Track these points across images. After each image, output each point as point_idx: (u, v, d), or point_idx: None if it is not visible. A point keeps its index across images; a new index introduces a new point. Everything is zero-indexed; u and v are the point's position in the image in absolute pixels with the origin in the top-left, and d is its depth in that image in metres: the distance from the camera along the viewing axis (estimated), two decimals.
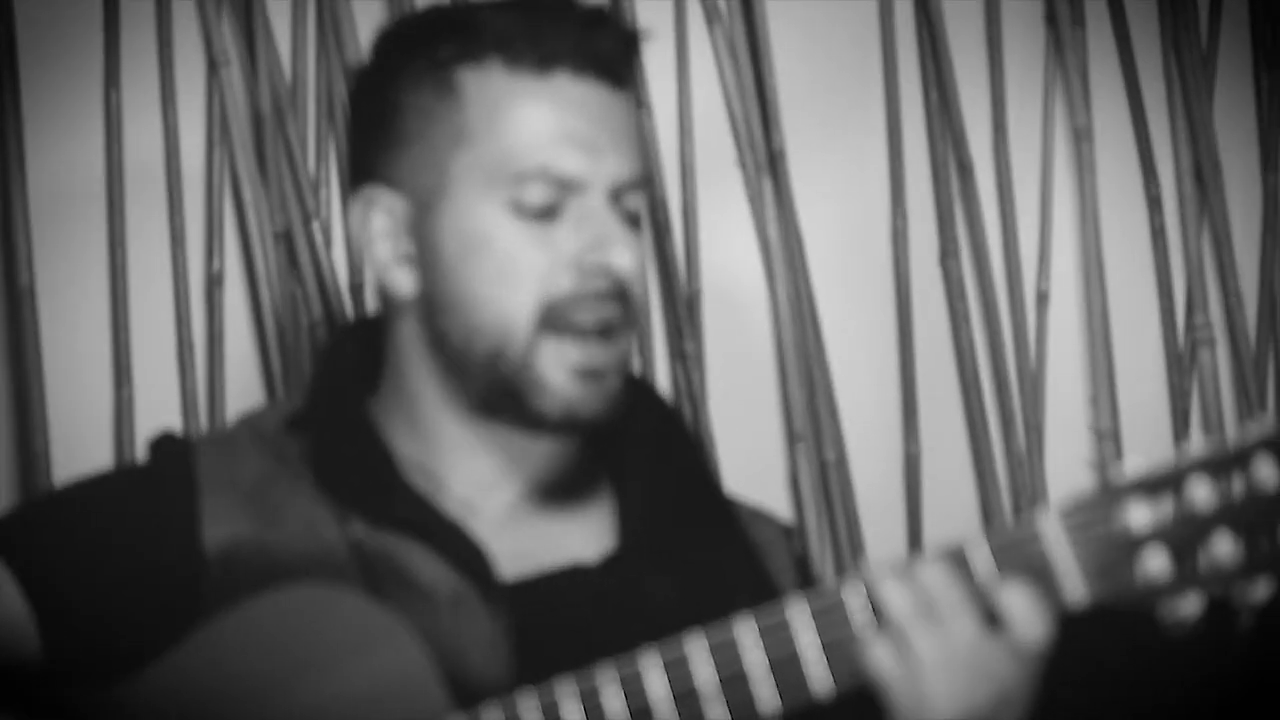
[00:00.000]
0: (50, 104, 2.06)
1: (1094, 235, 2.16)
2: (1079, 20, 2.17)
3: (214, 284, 2.08)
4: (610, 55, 1.53)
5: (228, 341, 2.08)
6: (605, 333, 1.51)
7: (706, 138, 2.14)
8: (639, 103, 1.57)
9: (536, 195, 1.50)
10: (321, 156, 2.10)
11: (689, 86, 2.14)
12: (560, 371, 1.50)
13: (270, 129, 2.07)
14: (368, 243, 1.57)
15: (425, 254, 1.54)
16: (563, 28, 1.52)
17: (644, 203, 1.56)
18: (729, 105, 2.14)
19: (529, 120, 1.51)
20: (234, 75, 2.08)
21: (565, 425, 1.52)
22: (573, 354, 1.50)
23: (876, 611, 1.30)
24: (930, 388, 2.17)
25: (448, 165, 1.53)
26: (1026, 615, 1.28)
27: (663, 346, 2.14)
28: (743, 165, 2.13)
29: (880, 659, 1.29)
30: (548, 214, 1.51)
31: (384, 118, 1.57)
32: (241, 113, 2.08)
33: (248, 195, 2.07)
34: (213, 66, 2.07)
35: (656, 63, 2.11)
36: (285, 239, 2.08)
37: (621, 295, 1.51)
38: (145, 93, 2.08)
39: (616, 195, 1.52)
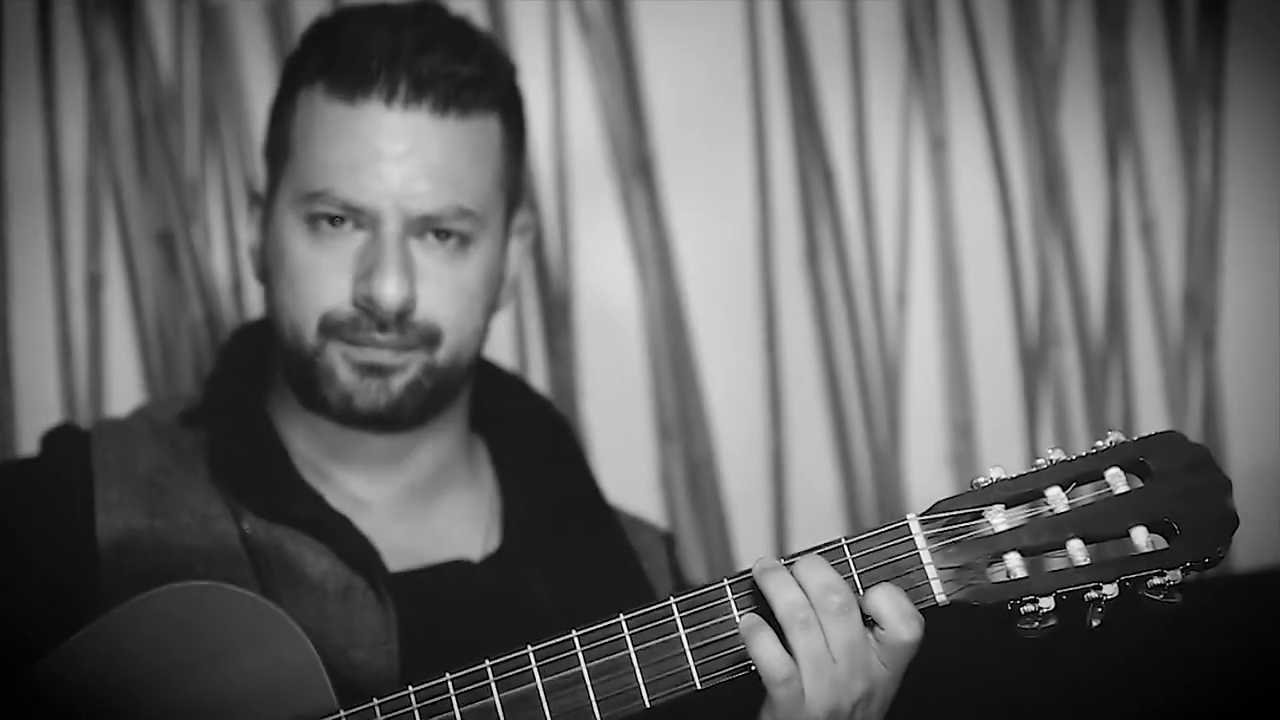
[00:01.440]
0: None
1: (950, 239, 2.21)
2: (935, 32, 2.21)
3: (95, 285, 2.08)
4: (437, 86, 1.52)
5: (109, 342, 2.09)
6: (390, 347, 1.54)
7: (580, 144, 2.17)
8: (504, 125, 1.58)
9: (325, 216, 1.53)
10: (202, 159, 2.10)
11: (563, 95, 2.16)
12: (344, 365, 1.54)
13: (151, 132, 2.08)
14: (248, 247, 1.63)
15: (264, 259, 1.60)
16: (387, 56, 1.51)
17: (474, 225, 1.54)
18: (602, 113, 2.17)
19: (329, 146, 1.53)
20: (115, 79, 2.08)
21: (345, 414, 1.56)
22: (355, 353, 1.54)
23: (761, 607, 1.32)
24: (796, 386, 2.21)
25: (276, 178, 1.58)
26: (900, 616, 1.31)
27: (538, 346, 2.17)
28: (615, 171, 2.17)
29: (766, 653, 1.30)
30: (335, 237, 1.53)
31: (269, 125, 1.62)
32: (122, 116, 2.08)
33: (128, 197, 2.08)
34: (93, 70, 2.08)
35: (531, 71, 2.13)
36: (166, 241, 2.08)
37: (399, 321, 1.52)
38: (26, 96, 2.08)
39: (423, 223, 1.53)
